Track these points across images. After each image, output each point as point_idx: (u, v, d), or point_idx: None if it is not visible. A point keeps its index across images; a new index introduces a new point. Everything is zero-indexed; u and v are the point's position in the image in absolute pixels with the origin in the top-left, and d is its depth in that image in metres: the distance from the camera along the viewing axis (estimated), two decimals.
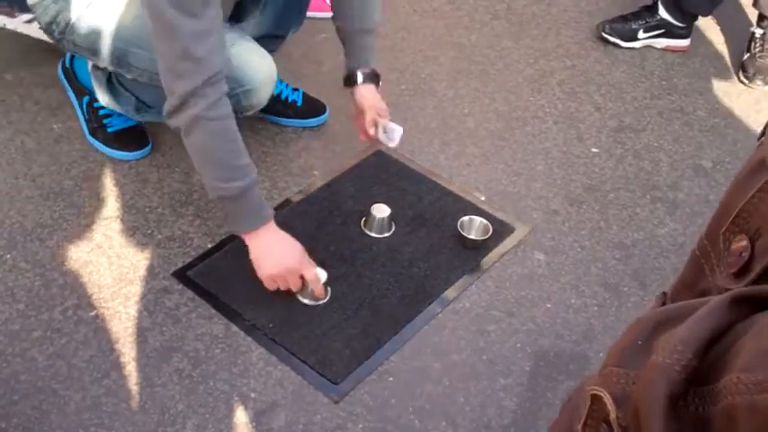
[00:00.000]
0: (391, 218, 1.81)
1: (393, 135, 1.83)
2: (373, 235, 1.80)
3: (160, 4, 1.37)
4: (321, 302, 1.64)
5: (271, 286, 1.59)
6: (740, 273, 0.47)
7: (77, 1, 1.67)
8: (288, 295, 1.61)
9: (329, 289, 1.65)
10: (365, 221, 1.82)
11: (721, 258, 0.50)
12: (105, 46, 1.68)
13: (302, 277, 1.58)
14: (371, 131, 1.84)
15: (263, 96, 1.72)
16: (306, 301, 1.63)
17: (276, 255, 1.57)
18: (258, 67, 1.68)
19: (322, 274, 1.61)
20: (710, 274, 0.51)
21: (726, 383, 0.38)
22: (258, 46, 1.70)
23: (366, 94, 1.84)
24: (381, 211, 1.80)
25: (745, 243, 0.47)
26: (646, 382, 0.42)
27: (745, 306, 0.42)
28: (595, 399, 0.46)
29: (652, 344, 0.43)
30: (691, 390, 0.41)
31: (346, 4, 1.79)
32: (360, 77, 1.83)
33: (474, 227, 1.82)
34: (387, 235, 1.80)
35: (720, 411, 0.39)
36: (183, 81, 1.42)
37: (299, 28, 1.97)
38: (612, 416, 0.44)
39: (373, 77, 1.85)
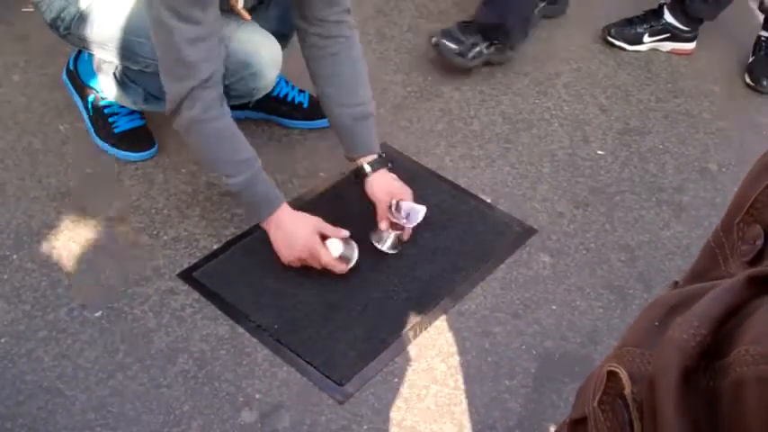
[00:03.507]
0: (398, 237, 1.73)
1: (412, 216, 1.68)
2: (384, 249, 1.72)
3: (160, 11, 1.40)
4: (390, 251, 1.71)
5: (297, 266, 1.65)
6: (753, 261, 0.48)
7: None
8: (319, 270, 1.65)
9: (356, 254, 1.66)
10: (376, 238, 1.72)
11: (735, 248, 0.51)
12: (111, 38, 1.70)
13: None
14: (383, 223, 1.71)
15: (269, 79, 1.70)
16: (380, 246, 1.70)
17: (289, 239, 1.62)
18: (262, 49, 1.67)
19: (336, 247, 1.62)
20: (724, 264, 0.52)
21: (735, 356, 0.39)
22: (261, 29, 1.69)
23: (377, 182, 1.71)
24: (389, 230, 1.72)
25: (758, 232, 0.48)
26: (662, 356, 0.43)
27: (761, 285, 0.43)
28: (611, 375, 0.47)
29: (667, 325, 0.44)
30: (702, 364, 0.41)
31: (336, 89, 1.69)
32: (367, 169, 1.70)
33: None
34: (395, 252, 1.73)
35: (729, 384, 0.39)
36: (177, 84, 1.48)
37: None
38: (627, 390, 0.45)
39: (382, 162, 1.72)
